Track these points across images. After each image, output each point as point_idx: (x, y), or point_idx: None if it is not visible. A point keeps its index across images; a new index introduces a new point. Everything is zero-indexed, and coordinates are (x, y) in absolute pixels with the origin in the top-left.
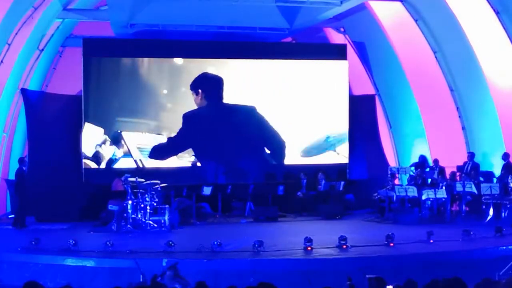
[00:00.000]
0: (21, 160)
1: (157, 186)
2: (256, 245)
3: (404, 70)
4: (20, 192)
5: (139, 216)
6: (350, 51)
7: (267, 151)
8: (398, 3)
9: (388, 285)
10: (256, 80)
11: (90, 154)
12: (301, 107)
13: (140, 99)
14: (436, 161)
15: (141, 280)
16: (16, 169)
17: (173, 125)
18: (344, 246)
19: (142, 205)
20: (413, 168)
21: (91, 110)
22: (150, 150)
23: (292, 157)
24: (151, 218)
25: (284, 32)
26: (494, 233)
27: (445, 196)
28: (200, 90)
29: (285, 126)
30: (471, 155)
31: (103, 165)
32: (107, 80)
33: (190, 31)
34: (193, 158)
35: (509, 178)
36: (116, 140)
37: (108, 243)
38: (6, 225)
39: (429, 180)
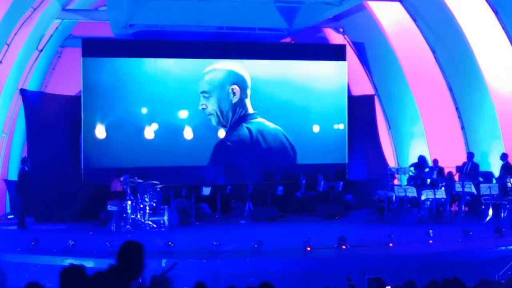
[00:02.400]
0: (23, 160)
1: (156, 186)
2: (255, 246)
3: (403, 70)
4: (22, 193)
5: (138, 216)
6: (349, 51)
7: None
8: (397, 3)
9: (388, 285)
10: (255, 80)
11: None
12: (300, 107)
13: (139, 100)
14: (435, 161)
15: (140, 280)
16: (19, 169)
17: (172, 127)
18: (343, 247)
19: (142, 206)
20: (412, 168)
21: (90, 111)
22: None
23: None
24: (150, 219)
25: (283, 32)
26: (493, 234)
27: (444, 197)
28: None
29: (284, 126)
30: (470, 155)
31: None
32: (106, 80)
33: (189, 31)
34: None
35: (508, 178)
36: None
37: (107, 243)
38: (5, 225)
39: (428, 180)
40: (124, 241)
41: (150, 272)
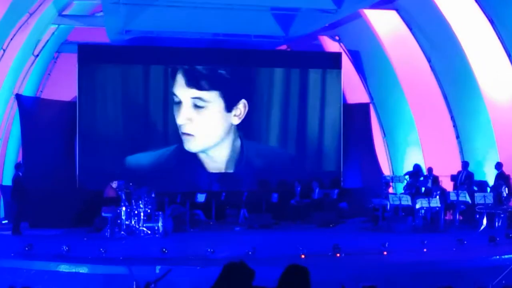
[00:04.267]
0: (17, 166)
1: (151, 192)
2: (250, 253)
3: (398, 79)
4: (16, 199)
5: (133, 222)
6: (345, 59)
7: None
8: (393, 12)
9: None
10: (251, 87)
11: None
12: (295, 114)
13: (135, 105)
14: (430, 170)
15: (134, 287)
16: (13, 175)
17: (169, 129)
18: (338, 255)
19: (136, 212)
20: (407, 176)
21: (86, 117)
22: None
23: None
24: (144, 225)
25: (279, 39)
26: (487, 243)
27: (439, 205)
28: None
29: (279, 133)
30: (465, 164)
31: None
32: (102, 86)
33: (185, 38)
34: None
35: (503, 187)
36: None
37: (101, 249)
38: None
39: (423, 189)
40: (288, 264)
41: (144, 278)
